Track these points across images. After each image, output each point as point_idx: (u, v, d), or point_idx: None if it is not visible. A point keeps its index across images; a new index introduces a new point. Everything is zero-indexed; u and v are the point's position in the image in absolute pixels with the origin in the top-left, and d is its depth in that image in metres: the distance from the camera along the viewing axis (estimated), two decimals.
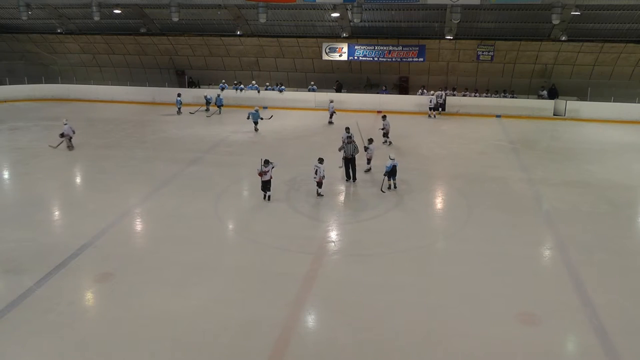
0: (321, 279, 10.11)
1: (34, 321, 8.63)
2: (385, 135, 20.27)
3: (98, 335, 8.33)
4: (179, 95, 26.96)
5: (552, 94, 27.00)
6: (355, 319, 8.74)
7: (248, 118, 22.44)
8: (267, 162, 13.85)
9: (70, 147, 19.41)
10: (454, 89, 28.00)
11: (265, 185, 13.92)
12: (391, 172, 14.67)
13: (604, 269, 10.47)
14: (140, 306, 9.13)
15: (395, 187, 14.93)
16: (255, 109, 23.08)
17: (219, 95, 27.17)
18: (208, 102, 27.37)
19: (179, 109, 26.79)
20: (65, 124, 19.46)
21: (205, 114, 26.87)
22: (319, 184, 14.36)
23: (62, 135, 19.33)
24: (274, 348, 8.01)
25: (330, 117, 24.53)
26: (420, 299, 9.35)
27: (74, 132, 19.54)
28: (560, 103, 25.96)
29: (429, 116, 26.13)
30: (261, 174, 13.78)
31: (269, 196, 14.01)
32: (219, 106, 26.91)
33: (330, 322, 8.81)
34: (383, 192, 14.67)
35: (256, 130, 22.64)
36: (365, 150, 16.24)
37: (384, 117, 20.63)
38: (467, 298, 9.35)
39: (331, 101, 25.20)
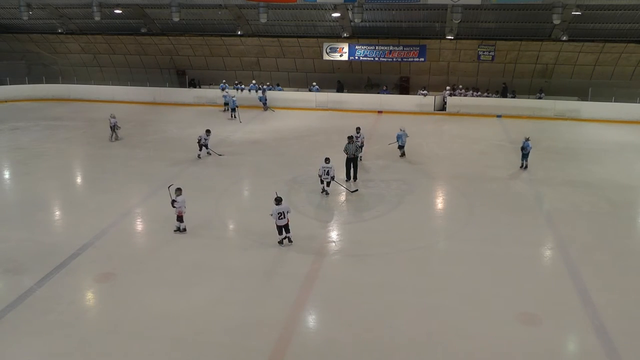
0: (322, 279, 10.11)
1: (34, 321, 8.63)
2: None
3: (98, 335, 8.33)
4: (263, 91, 27.63)
5: (504, 93, 27.20)
6: (355, 319, 8.74)
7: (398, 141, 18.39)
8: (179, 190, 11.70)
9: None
10: (453, 88, 27.96)
11: None
12: (527, 152, 16.87)
13: (604, 269, 10.47)
14: (140, 306, 9.14)
15: (526, 167, 16.98)
16: (401, 129, 18.54)
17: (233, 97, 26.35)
18: (229, 105, 26.17)
19: (265, 103, 27.38)
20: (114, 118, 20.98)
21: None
22: (328, 183, 14.35)
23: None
24: (274, 348, 8.01)
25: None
26: (420, 299, 9.35)
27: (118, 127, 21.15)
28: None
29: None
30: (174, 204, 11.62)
31: None
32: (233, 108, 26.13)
33: (330, 322, 8.81)
34: (525, 168, 16.95)
35: (402, 155, 18.40)
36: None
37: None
38: (467, 298, 9.35)
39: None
